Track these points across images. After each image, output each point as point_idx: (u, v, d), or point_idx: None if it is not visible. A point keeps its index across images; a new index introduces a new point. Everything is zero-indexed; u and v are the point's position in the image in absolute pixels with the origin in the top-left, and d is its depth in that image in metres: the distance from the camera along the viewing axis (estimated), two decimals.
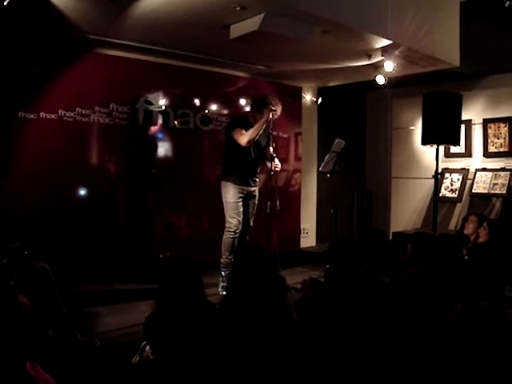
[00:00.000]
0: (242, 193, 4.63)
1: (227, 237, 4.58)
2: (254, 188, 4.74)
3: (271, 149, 4.63)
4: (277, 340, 2.16)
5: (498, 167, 6.21)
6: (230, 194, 4.57)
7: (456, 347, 1.86)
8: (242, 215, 4.61)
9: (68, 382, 2.40)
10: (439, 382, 1.87)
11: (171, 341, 2.06)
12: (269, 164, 4.67)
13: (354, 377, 2.24)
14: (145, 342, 2.30)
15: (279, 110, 4.60)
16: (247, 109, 4.73)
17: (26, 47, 4.46)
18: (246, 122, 4.60)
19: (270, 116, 4.49)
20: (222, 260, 4.62)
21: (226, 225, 4.60)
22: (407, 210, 7.21)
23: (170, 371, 2.01)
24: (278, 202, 4.60)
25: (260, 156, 4.73)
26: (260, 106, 4.56)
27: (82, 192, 4.94)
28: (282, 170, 6.59)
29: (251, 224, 4.80)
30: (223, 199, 4.62)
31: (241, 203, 4.61)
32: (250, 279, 2.28)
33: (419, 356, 1.91)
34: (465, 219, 4.85)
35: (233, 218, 4.57)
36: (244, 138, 4.44)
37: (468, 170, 6.51)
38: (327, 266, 2.94)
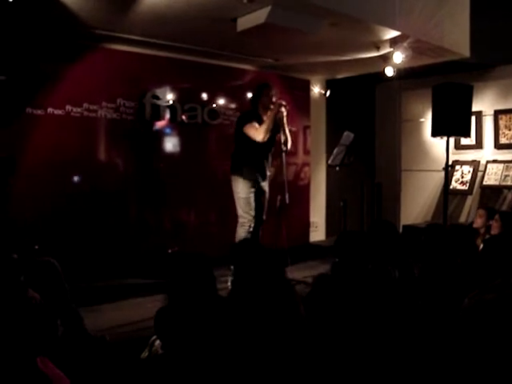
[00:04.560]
0: (254, 187, 4.55)
1: (241, 232, 4.49)
2: (264, 183, 4.67)
3: (282, 138, 4.59)
4: (284, 335, 2.14)
5: (510, 159, 6.14)
6: (242, 189, 4.50)
7: (467, 342, 1.83)
8: (254, 210, 4.53)
9: (78, 377, 2.41)
10: (448, 376, 1.84)
11: (182, 335, 2.05)
12: (283, 147, 4.62)
13: (361, 372, 2.22)
14: (154, 337, 2.29)
15: (274, 94, 4.60)
16: (250, 101, 4.76)
17: (33, 43, 4.45)
18: (255, 115, 4.56)
19: (283, 110, 4.47)
20: None
21: (240, 220, 4.52)
22: (417, 202, 7.17)
23: (179, 366, 2.00)
24: (287, 195, 4.55)
25: (269, 149, 4.68)
26: (258, 96, 4.61)
27: (90, 187, 4.92)
28: (291, 163, 6.61)
29: (264, 218, 4.74)
30: (235, 194, 4.54)
31: (253, 198, 4.53)
32: (253, 279, 2.25)
33: (429, 351, 1.89)
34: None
35: (246, 213, 4.49)
36: (259, 134, 4.41)
37: (479, 161, 6.44)
38: (336, 260, 2.91)
